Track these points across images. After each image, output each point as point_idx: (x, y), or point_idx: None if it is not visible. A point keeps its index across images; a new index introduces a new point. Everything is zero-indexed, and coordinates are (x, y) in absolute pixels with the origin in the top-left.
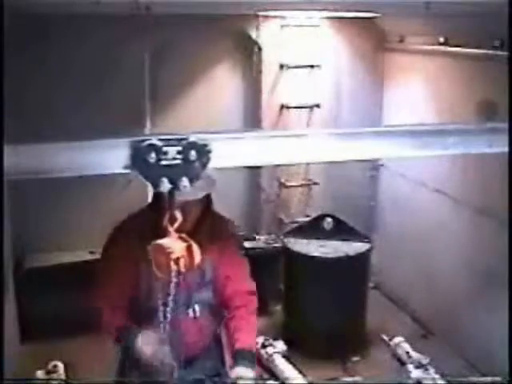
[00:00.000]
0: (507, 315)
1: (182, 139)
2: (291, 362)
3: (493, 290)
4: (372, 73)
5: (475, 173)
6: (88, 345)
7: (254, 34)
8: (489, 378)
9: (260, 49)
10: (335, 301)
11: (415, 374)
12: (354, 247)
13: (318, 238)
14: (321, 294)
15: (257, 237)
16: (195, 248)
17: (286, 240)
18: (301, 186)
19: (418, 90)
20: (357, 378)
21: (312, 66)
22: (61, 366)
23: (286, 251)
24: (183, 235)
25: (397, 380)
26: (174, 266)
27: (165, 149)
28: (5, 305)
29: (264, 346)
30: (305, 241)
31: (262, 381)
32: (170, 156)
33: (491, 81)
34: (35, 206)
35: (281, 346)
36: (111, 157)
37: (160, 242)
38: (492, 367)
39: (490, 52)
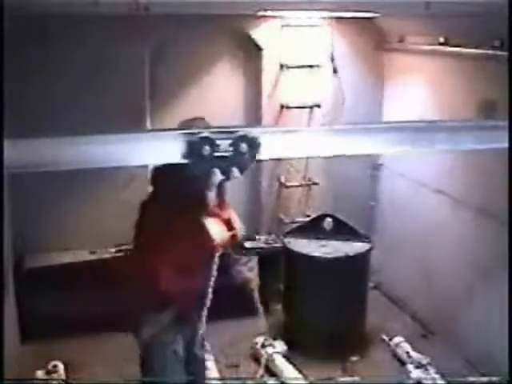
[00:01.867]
0: (507, 315)
1: (233, 132)
2: (291, 362)
3: (493, 289)
4: (372, 73)
5: (476, 173)
6: (88, 345)
7: (253, 34)
8: (489, 378)
9: (260, 49)
10: (335, 301)
11: (415, 373)
12: (354, 247)
13: (318, 238)
14: (321, 294)
15: (257, 237)
16: (237, 232)
17: (285, 240)
18: (301, 185)
19: (418, 89)
20: (356, 378)
21: (312, 66)
22: (61, 366)
23: (285, 251)
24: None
25: (397, 380)
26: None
27: (218, 141)
28: (5, 305)
29: (264, 346)
30: (305, 241)
31: (262, 381)
32: (222, 148)
33: (491, 81)
34: (35, 207)
35: (281, 346)
36: (166, 149)
37: (210, 227)
38: (492, 367)
39: (490, 52)
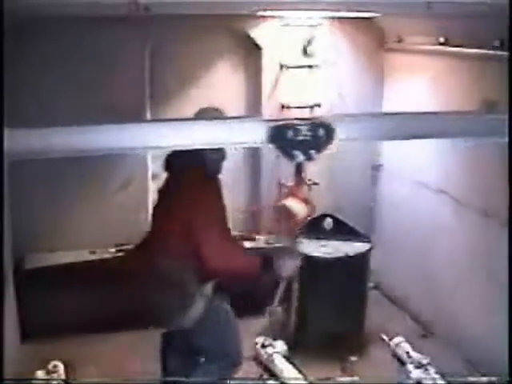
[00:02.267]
0: (507, 315)
1: (312, 119)
2: (291, 362)
3: (493, 289)
4: (372, 73)
5: (476, 173)
6: (88, 345)
7: (253, 34)
8: (489, 378)
9: (260, 48)
10: (335, 301)
11: (415, 374)
12: (354, 247)
13: (318, 238)
14: (321, 294)
15: (257, 237)
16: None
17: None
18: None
19: (418, 89)
20: (356, 378)
21: (312, 66)
22: (61, 366)
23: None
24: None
25: (397, 380)
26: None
27: (299, 127)
28: (5, 305)
29: (264, 346)
30: (305, 241)
31: (262, 381)
32: (302, 133)
33: (491, 81)
34: (35, 207)
35: (281, 346)
36: (252, 134)
37: (289, 203)
38: (492, 367)
39: (490, 52)
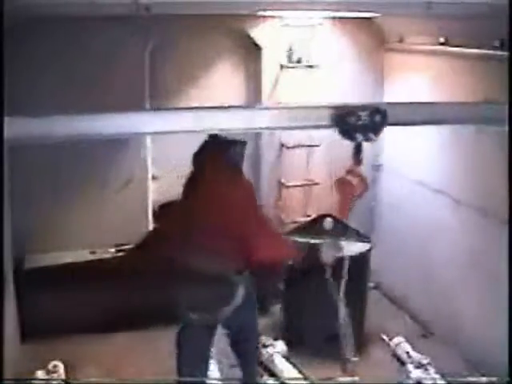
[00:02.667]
0: (507, 315)
1: (370, 106)
2: (291, 362)
3: (493, 289)
4: (372, 72)
5: (476, 173)
6: (88, 345)
7: (253, 34)
8: (489, 378)
9: (260, 48)
10: (335, 301)
11: (415, 373)
12: (354, 247)
13: (318, 238)
14: (321, 294)
15: None
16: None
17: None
18: (301, 185)
19: (418, 89)
20: (356, 378)
21: (312, 66)
22: (61, 366)
23: None
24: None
25: (397, 380)
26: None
27: (359, 113)
28: (5, 305)
29: (264, 346)
30: (305, 241)
31: (262, 381)
32: (362, 118)
33: (491, 80)
34: (35, 207)
35: (281, 345)
36: (315, 118)
37: (349, 178)
38: (492, 367)
39: (491, 52)
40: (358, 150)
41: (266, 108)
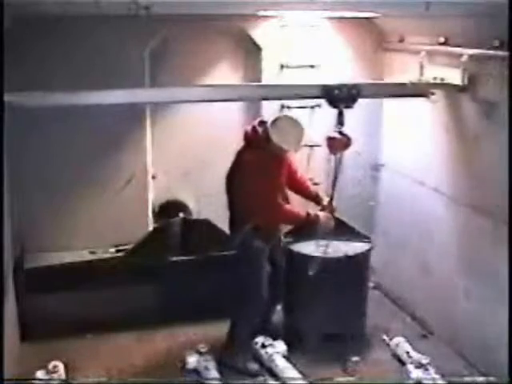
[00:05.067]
0: (507, 315)
1: (349, 84)
2: (291, 362)
3: (493, 289)
4: (372, 72)
5: (476, 173)
6: (88, 345)
7: (253, 34)
8: (489, 378)
9: (260, 48)
10: (335, 301)
11: (415, 373)
12: (354, 247)
13: (318, 238)
14: (321, 294)
15: None
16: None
17: (285, 240)
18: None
19: None
20: (356, 378)
21: (312, 66)
22: (61, 366)
23: (286, 251)
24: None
25: (397, 380)
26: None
27: (341, 88)
28: (5, 305)
29: (264, 346)
30: (305, 241)
31: (262, 381)
32: (343, 91)
33: (491, 80)
34: (35, 207)
35: (281, 345)
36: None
37: (335, 135)
38: (492, 367)
39: (490, 52)
40: (340, 114)
41: (272, 85)
